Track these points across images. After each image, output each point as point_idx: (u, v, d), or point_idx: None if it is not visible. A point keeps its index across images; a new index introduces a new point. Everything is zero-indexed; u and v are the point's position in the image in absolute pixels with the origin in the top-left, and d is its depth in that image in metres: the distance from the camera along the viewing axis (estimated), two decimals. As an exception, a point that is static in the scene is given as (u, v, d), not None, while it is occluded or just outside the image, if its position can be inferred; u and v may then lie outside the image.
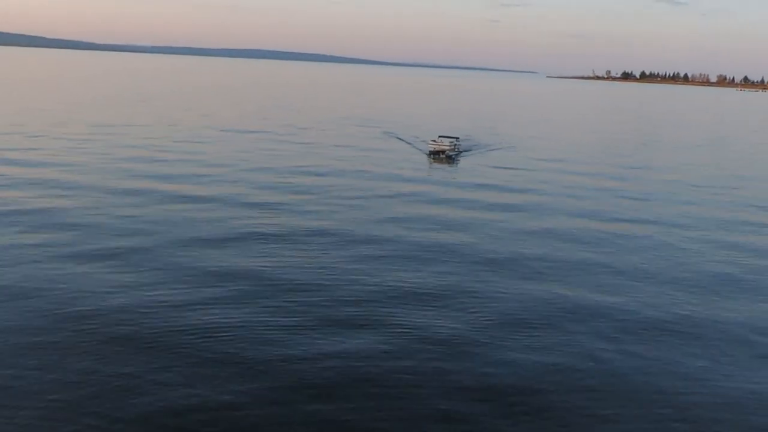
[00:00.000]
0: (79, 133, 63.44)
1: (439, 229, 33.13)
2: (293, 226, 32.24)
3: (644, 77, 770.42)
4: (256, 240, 29.58)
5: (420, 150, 62.70)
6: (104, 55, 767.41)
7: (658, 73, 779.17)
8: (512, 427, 15.61)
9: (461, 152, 62.02)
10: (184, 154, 53.27)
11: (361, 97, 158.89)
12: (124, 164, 47.30)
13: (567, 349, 19.81)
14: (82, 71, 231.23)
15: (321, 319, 21.04)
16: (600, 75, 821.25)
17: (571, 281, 26.15)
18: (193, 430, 14.90)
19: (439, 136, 63.09)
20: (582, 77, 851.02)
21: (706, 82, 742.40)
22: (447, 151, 59.23)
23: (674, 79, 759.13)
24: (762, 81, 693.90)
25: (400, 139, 72.01)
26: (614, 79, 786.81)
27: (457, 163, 56.54)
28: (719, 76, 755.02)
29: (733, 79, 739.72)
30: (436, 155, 58.94)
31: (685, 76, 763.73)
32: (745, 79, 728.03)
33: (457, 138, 63.37)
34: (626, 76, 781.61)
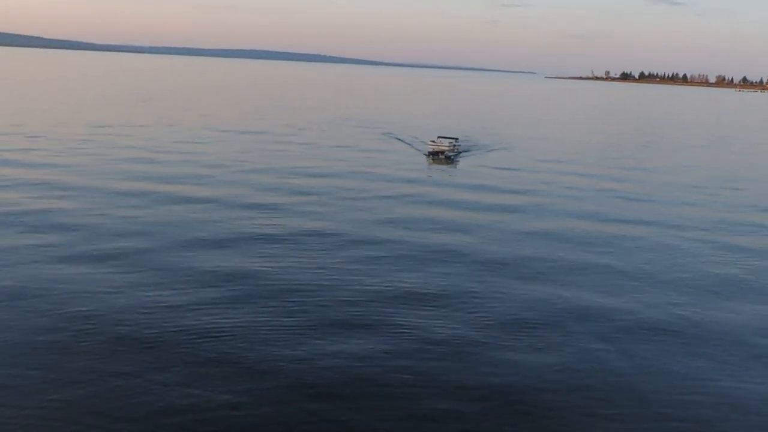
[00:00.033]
0: (79, 133, 63.45)
1: (439, 230, 33.17)
2: (292, 227, 32.29)
3: (643, 78, 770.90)
4: (255, 241, 29.62)
5: (419, 150, 62.75)
6: (103, 55, 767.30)
7: (656, 74, 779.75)
8: (512, 427, 15.66)
9: (460, 153, 62.07)
10: (184, 155, 53.30)
11: (360, 98, 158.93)
12: (124, 165, 47.33)
13: (567, 349, 19.86)
14: (81, 71, 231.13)
15: (321, 320, 21.08)
16: (599, 75, 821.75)
17: (571, 282, 26.20)
18: (193, 430, 14.94)
19: (439, 137, 63.11)
20: (581, 78, 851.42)
21: (705, 82, 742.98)
22: (446, 152, 59.25)
23: (673, 79, 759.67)
24: (761, 81, 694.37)
25: (399, 139, 72.06)
26: (613, 79, 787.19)
27: (456, 164, 56.58)
28: (718, 77, 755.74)
29: (732, 79, 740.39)
30: (435, 156, 58.97)
31: (684, 76, 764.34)
32: (744, 79, 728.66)
33: (457, 138, 63.39)
34: (625, 77, 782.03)
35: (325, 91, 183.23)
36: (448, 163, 56.56)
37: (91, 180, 41.38)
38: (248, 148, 59.17)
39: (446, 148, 59.43)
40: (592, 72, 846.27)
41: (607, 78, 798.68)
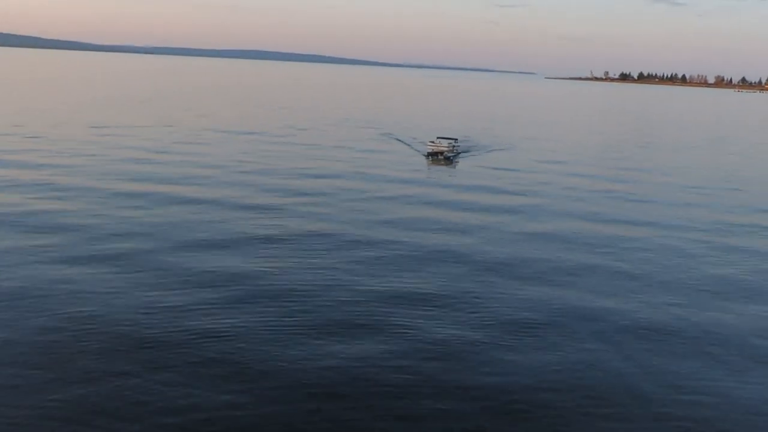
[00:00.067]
0: (79, 134, 63.47)
1: (438, 231, 33.21)
2: (292, 228, 32.33)
3: (642, 78, 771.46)
4: (255, 242, 29.66)
5: (418, 151, 62.78)
6: (103, 55, 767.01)
7: (656, 74, 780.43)
8: (512, 427, 15.69)
9: (459, 153, 62.10)
10: (184, 156, 53.33)
11: (359, 98, 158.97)
12: (124, 165, 47.36)
13: (567, 349, 19.89)
14: (80, 72, 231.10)
15: (321, 321, 21.11)
16: (598, 76, 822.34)
17: (571, 282, 26.24)
18: (194, 430, 14.96)
19: (438, 138, 63.11)
20: (580, 78, 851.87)
21: (704, 83, 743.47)
22: (445, 153, 59.27)
23: (672, 80, 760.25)
24: (760, 82, 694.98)
25: (398, 140, 72.10)
26: (612, 80, 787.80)
27: (455, 165, 56.61)
28: (717, 77, 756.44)
29: (731, 80, 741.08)
30: (434, 156, 59.00)
31: (683, 77, 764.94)
32: (743, 80, 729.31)
33: (456, 139, 63.40)
34: (624, 77, 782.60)
35: (324, 92, 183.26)
36: (447, 164, 56.58)
37: (90, 181, 41.40)
38: (248, 149, 59.20)
39: (445, 149, 59.45)
40: (592, 72, 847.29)
41: (606, 78, 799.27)
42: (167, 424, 15.06)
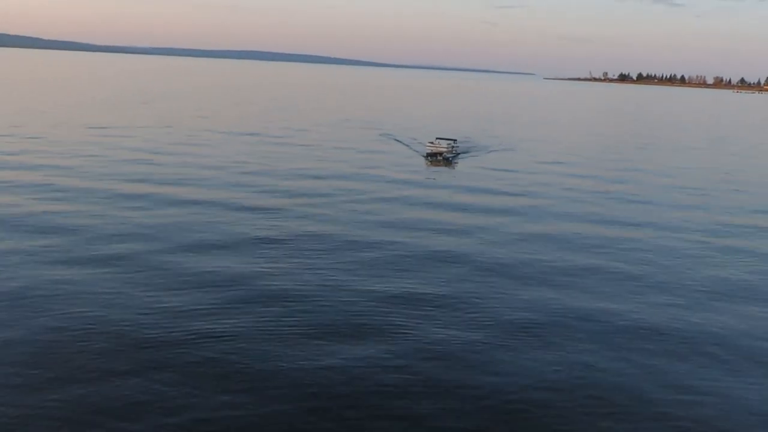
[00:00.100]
0: (78, 134, 63.48)
1: (437, 232, 33.24)
2: (291, 229, 32.35)
3: (641, 79, 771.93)
4: (254, 243, 29.68)
5: (417, 152, 62.80)
6: (103, 56, 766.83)
7: (654, 75, 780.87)
8: (512, 427, 15.70)
9: (459, 154, 62.11)
10: (184, 157, 53.35)
11: (359, 99, 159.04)
12: (124, 166, 47.38)
13: (567, 349, 19.91)
14: (80, 72, 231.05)
15: (320, 321, 21.12)
16: (597, 76, 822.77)
17: (570, 283, 26.27)
18: (194, 430, 14.95)
19: (437, 138, 63.10)
20: (579, 79, 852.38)
21: (702, 83, 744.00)
22: (444, 153, 59.27)
23: (671, 80, 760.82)
24: (758, 83, 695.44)
25: (397, 140, 72.13)
26: (611, 80, 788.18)
27: (454, 166, 56.62)
28: (716, 78, 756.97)
29: (730, 80, 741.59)
30: (433, 157, 59.00)
31: (682, 77, 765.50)
32: (742, 80, 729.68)
33: (455, 140, 63.39)
34: (623, 78, 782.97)
35: (323, 92, 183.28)
36: (446, 165, 56.60)
37: (90, 181, 41.41)
38: (247, 150, 59.22)
39: (444, 150, 59.44)
40: (590, 73, 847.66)
41: (605, 79, 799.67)
42: (167, 424, 15.08)
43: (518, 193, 45.22)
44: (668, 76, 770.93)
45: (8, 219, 31.40)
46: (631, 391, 17.61)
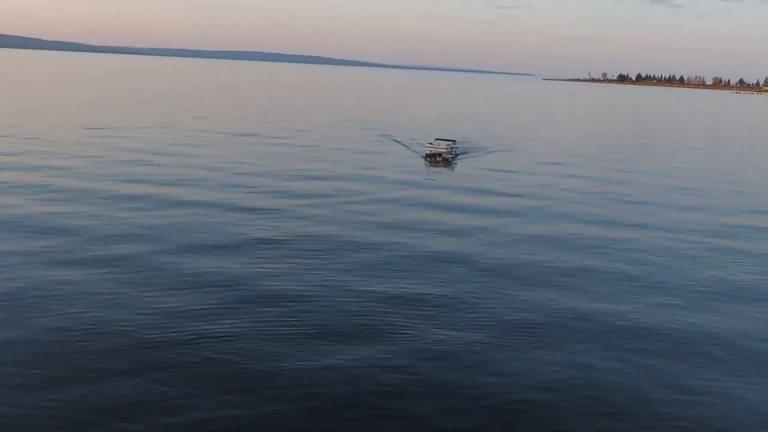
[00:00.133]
0: (77, 135, 63.48)
1: (436, 233, 33.27)
2: (290, 231, 32.37)
3: (640, 79, 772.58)
4: (253, 244, 29.70)
5: (416, 153, 62.84)
6: (102, 56, 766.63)
7: (654, 76, 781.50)
8: (512, 427, 15.73)
9: (458, 155, 62.15)
10: (183, 157, 53.37)
11: (358, 100, 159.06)
12: (123, 167, 47.39)
13: (566, 350, 19.93)
14: (79, 73, 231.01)
15: (320, 322, 21.14)
16: (596, 77, 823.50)
17: (570, 284, 26.30)
18: (193, 430, 14.98)
19: (436, 139, 63.14)
20: (578, 79, 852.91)
21: (701, 84, 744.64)
22: (444, 154, 59.31)
23: (670, 81, 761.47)
24: (757, 83, 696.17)
25: (396, 141, 72.16)
26: (610, 81, 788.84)
27: (453, 166, 56.65)
28: (715, 79, 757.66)
29: (729, 81, 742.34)
30: (432, 158, 59.03)
31: (681, 78, 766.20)
32: (741, 81, 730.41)
33: (454, 141, 63.41)
34: (622, 79, 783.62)
35: (323, 93, 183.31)
36: (445, 166, 56.63)
37: (89, 182, 41.42)
38: (246, 150, 59.24)
39: (444, 151, 59.49)
40: (590, 74, 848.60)
41: (604, 80, 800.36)
42: (167, 424, 15.09)
43: (517, 193, 45.26)
44: (667, 77, 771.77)
45: (8, 220, 31.41)
46: (630, 391, 17.64)
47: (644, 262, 29.80)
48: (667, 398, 17.44)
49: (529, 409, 16.51)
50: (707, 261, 30.84)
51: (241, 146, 61.77)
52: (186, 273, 25.02)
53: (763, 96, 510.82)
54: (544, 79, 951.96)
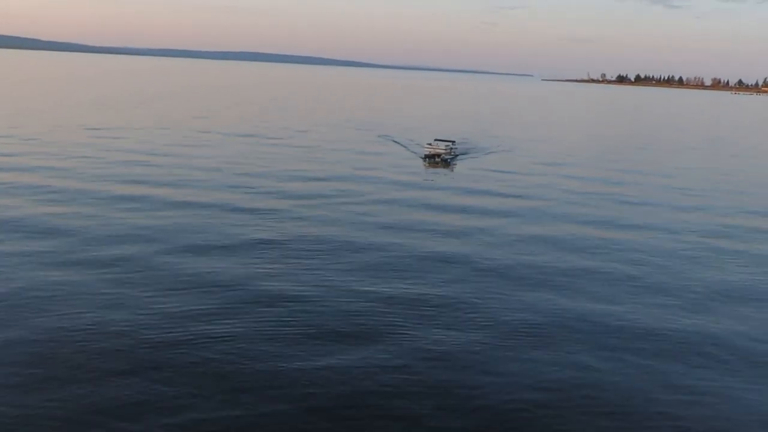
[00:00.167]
0: (76, 136, 63.48)
1: (436, 234, 33.30)
2: (289, 232, 32.40)
3: (639, 80, 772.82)
4: (252, 245, 29.72)
5: (416, 153, 62.86)
6: (101, 57, 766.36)
7: (653, 76, 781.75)
8: (512, 426, 15.76)
9: (457, 156, 62.17)
10: (182, 158, 53.38)
11: (357, 100, 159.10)
12: (121, 168, 47.40)
13: (566, 350, 19.96)
14: (78, 73, 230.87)
15: (319, 323, 21.17)
16: (595, 78, 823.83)
17: (570, 285, 26.34)
18: (193, 430, 15.01)
19: (435, 140, 63.16)
20: (577, 80, 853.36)
21: (700, 85, 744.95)
22: (443, 155, 59.33)
23: (669, 82, 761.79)
24: (756, 84, 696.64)
25: (395, 142, 72.20)
26: (609, 82, 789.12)
27: (453, 167, 56.67)
28: (714, 79, 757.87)
29: (728, 82, 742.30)
30: (431, 159, 59.05)
31: (680, 79, 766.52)
32: (740, 82, 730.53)
33: (453, 141, 63.42)
34: (621, 79, 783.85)
35: (322, 94, 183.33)
36: (444, 166, 56.65)
37: (88, 183, 41.43)
38: (245, 151, 59.26)
39: (443, 151, 59.50)
40: (589, 74, 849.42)
41: (603, 80, 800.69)
42: (167, 424, 15.12)
43: (516, 194, 45.29)
44: (666, 78, 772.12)
45: (7, 221, 31.43)
46: (629, 391, 17.68)
47: (643, 263, 29.84)
48: (666, 398, 17.48)
49: (529, 408, 16.54)
50: (706, 261, 30.89)
51: (241, 147, 61.78)
52: (185, 273, 25.05)
53: (762, 97, 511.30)
54: (543, 80, 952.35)
